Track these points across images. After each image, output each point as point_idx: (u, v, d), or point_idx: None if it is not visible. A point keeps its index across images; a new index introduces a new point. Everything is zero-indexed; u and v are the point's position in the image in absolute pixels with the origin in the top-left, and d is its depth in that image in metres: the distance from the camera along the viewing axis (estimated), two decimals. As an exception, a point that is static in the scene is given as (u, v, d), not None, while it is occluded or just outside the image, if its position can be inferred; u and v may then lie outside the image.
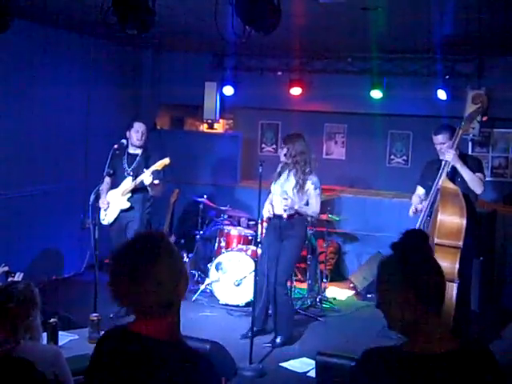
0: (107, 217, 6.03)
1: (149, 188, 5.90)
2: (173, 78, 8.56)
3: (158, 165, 5.81)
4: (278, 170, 5.62)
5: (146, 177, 5.76)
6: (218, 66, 8.47)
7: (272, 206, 5.54)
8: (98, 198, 5.52)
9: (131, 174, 5.99)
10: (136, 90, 8.61)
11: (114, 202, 6.02)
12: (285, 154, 5.50)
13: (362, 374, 1.92)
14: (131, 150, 6.10)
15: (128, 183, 5.95)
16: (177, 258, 1.90)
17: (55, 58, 6.98)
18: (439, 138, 5.23)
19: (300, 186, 5.41)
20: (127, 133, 6.05)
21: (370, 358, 1.92)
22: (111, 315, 5.55)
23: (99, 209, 5.88)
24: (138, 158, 6.05)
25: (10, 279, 3.85)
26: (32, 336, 2.83)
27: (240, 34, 4.09)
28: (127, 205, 5.98)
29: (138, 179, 5.86)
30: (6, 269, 4.16)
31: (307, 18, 5.71)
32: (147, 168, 5.84)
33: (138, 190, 5.95)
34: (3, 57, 6.24)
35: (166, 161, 5.84)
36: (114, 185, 6.07)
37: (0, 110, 6.29)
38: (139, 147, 6.06)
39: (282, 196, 5.39)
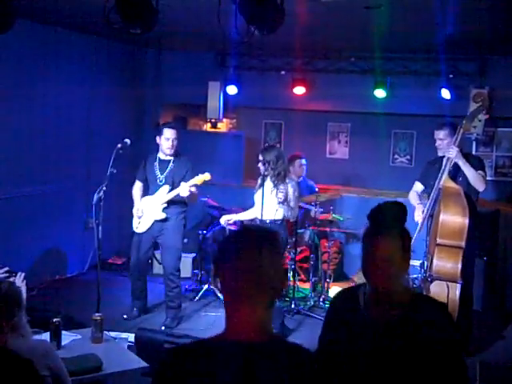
0: (141, 225, 5.82)
1: (186, 198, 5.75)
2: (176, 78, 8.54)
3: (198, 180, 5.59)
4: (259, 181, 5.71)
5: (185, 191, 5.56)
6: (221, 65, 8.46)
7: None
8: (101, 198, 5.39)
9: (164, 181, 5.75)
10: (139, 89, 8.60)
11: (148, 211, 5.80)
12: (263, 165, 5.59)
13: (331, 310, 2.47)
14: (162, 156, 5.80)
15: (164, 192, 5.72)
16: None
17: (57, 57, 6.99)
18: (439, 134, 5.25)
19: (280, 192, 5.58)
20: (157, 138, 5.76)
21: (335, 298, 2.52)
22: (125, 316, 5.52)
23: (101, 208, 5.78)
24: (170, 166, 5.78)
25: (11, 279, 3.85)
26: (20, 334, 2.81)
27: (243, 34, 4.09)
28: (163, 215, 5.74)
29: (174, 192, 5.64)
30: (6, 269, 4.15)
31: (310, 18, 5.69)
32: (183, 179, 5.66)
33: (174, 200, 5.75)
34: (5, 56, 6.24)
35: (207, 176, 5.62)
36: (147, 192, 5.88)
37: (1, 109, 6.29)
38: (170, 155, 5.80)
39: (279, 190, 5.54)
